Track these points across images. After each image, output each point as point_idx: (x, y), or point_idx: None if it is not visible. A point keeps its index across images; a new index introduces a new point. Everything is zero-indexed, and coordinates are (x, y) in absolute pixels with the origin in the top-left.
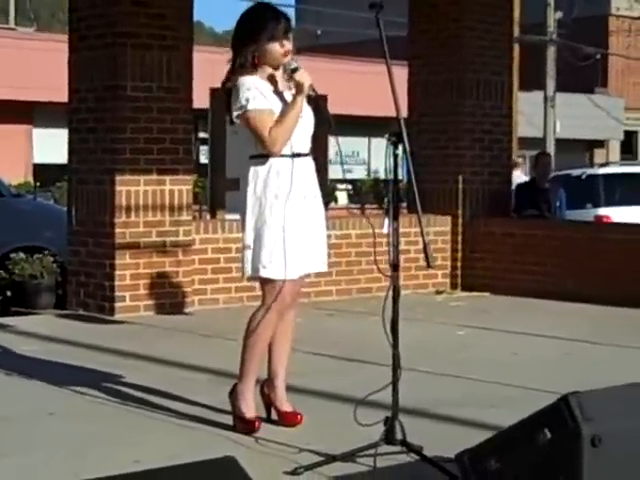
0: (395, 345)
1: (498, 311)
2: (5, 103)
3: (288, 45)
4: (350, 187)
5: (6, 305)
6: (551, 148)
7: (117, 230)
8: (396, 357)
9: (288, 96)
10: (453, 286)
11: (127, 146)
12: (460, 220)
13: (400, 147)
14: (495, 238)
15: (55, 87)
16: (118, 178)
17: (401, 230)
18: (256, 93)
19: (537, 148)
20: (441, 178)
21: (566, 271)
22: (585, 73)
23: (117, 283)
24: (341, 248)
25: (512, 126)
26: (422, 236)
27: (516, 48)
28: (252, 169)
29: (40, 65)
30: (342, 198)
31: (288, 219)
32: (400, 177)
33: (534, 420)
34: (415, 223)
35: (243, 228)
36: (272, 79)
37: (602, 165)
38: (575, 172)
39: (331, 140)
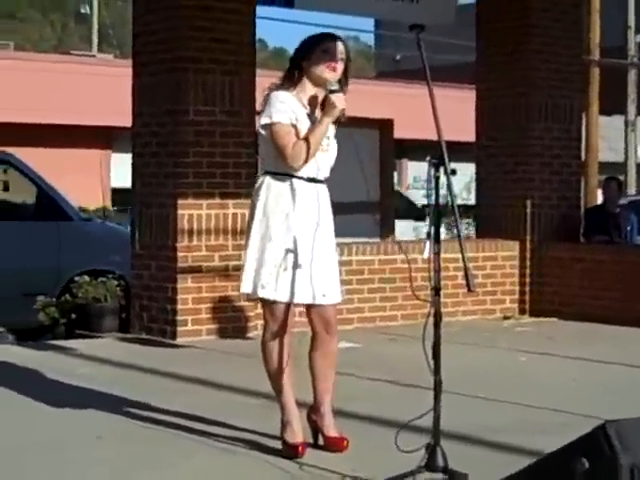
0: (437, 371)
1: (564, 337)
2: (85, 129)
3: (336, 62)
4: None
5: (70, 328)
6: (632, 173)
7: (179, 254)
8: (437, 383)
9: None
10: (521, 311)
11: (190, 170)
12: (528, 245)
13: (442, 169)
14: (563, 263)
15: None
16: (180, 202)
17: (470, 254)
18: (286, 107)
19: (618, 173)
20: (509, 203)
21: (635, 297)
22: None
23: (179, 307)
24: (406, 272)
25: (582, 150)
26: (463, 261)
27: (596, 72)
28: (265, 184)
29: (119, 91)
30: None
31: (298, 242)
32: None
33: (571, 449)
34: (480, 248)
35: (246, 243)
36: (308, 98)
37: None
38: None
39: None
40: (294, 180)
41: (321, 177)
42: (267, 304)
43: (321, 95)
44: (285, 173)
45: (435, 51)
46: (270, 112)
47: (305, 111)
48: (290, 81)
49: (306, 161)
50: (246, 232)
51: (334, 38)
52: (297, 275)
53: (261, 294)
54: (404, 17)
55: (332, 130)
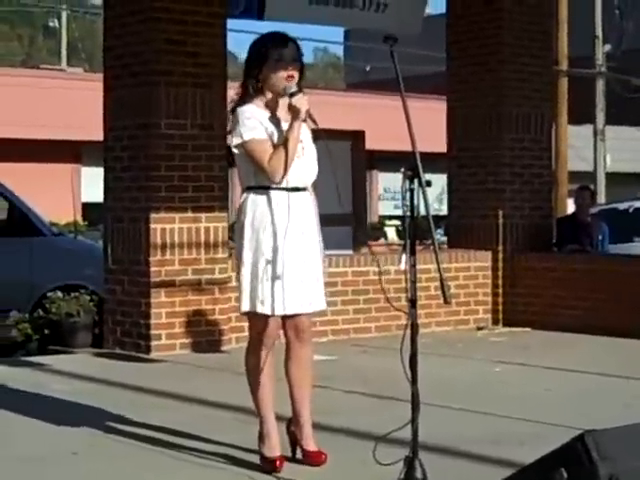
0: (414, 382)
1: (538, 347)
2: (54, 143)
3: (292, 70)
4: (399, 223)
5: (44, 344)
6: (601, 182)
7: (152, 268)
8: (415, 394)
9: (286, 126)
10: (494, 322)
11: (162, 184)
12: (501, 255)
13: (416, 181)
14: (536, 273)
15: None
16: (153, 216)
17: (443, 265)
18: (255, 123)
19: (588, 182)
20: (481, 213)
21: (607, 305)
22: (635, 106)
23: (153, 321)
24: (379, 284)
25: (553, 160)
26: (439, 272)
27: (565, 82)
28: (250, 200)
29: (89, 105)
30: (391, 234)
31: (286, 254)
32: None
33: (550, 459)
34: (453, 258)
35: (239, 261)
36: (272, 106)
37: None
38: (622, 205)
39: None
40: (276, 192)
41: (303, 184)
42: (259, 318)
43: (283, 99)
44: (267, 187)
45: (406, 62)
46: (240, 131)
47: (272, 119)
48: (250, 93)
49: (286, 170)
50: (237, 251)
51: (284, 41)
52: (288, 287)
53: (260, 310)
54: (371, 27)
55: (307, 134)
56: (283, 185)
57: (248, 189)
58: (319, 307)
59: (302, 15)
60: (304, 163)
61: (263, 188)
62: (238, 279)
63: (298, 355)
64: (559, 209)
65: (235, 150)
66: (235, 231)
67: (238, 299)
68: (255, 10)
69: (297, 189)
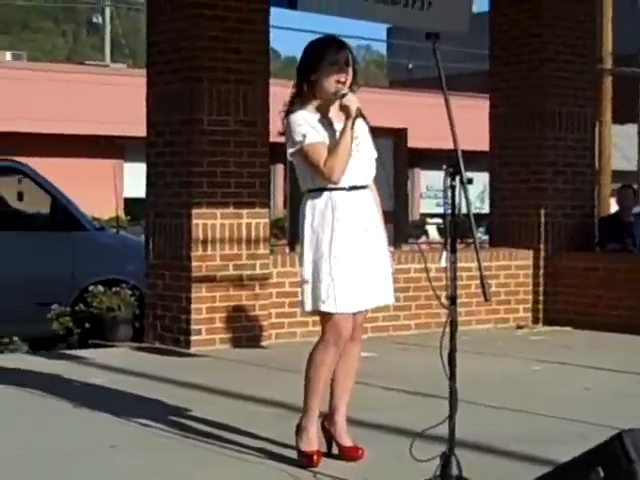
0: (452, 378)
1: (578, 346)
2: (97, 138)
3: (345, 74)
4: (440, 221)
5: (84, 338)
6: None
7: (194, 263)
8: (453, 391)
9: (339, 126)
10: (535, 320)
11: (204, 180)
12: (542, 254)
13: (457, 178)
14: (578, 272)
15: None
16: (195, 212)
17: (484, 263)
18: (307, 128)
19: (631, 181)
20: (523, 211)
21: None
22: None
23: (193, 316)
24: (421, 282)
25: (596, 159)
26: (480, 270)
27: (609, 80)
28: (309, 202)
29: (131, 100)
30: (432, 232)
31: (347, 252)
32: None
33: (587, 459)
34: (494, 257)
35: (301, 262)
36: (324, 110)
37: None
38: None
39: (420, 173)
40: (335, 192)
41: (361, 183)
42: (327, 317)
43: (334, 102)
44: (325, 188)
45: (448, 59)
46: (294, 139)
47: (325, 122)
48: (301, 97)
49: (343, 170)
50: (299, 251)
51: (338, 46)
52: (353, 285)
53: (323, 308)
54: (414, 24)
55: (364, 130)
56: (344, 185)
57: (307, 191)
58: (386, 301)
59: (339, 8)
60: (361, 160)
61: (321, 190)
62: (301, 278)
63: (348, 351)
64: (602, 208)
65: (290, 158)
66: (299, 233)
67: (301, 298)
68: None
69: (355, 187)
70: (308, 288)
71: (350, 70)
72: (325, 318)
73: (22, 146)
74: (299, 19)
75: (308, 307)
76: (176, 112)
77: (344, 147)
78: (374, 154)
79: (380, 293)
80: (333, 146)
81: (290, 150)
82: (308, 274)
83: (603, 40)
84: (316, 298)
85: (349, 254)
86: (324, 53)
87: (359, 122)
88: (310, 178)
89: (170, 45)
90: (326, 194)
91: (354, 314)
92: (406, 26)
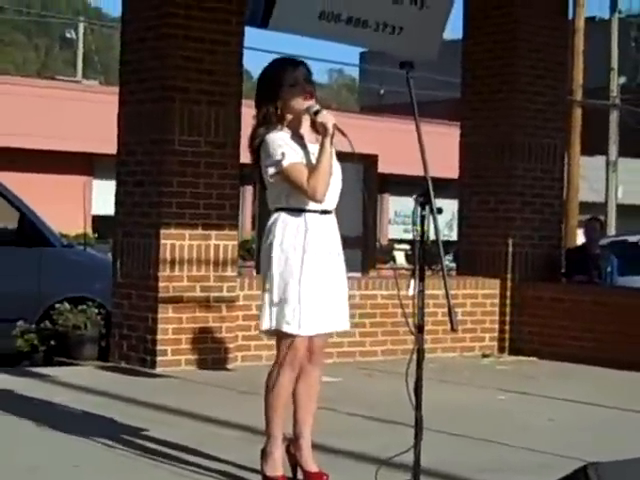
0: (418, 407)
1: (543, 376)
2: (67, 154)
3: (310, 91)
4: (408, 247)
5: (50, 355)
6: (612, 213)
7: (161, 284)
8: (419, 419)
9: (315, 148)
10: (500, 349)
11: (173, 200)
12: (509, 283)
13: (427, 208)
14: (543, 303)
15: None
16: (163, 232)
17: (451, 292)
18: (286, 148)
19: (599, 213)
20: (491, 240)
21: (614, 337)
22: None
23: (159, 337)
24: (388, 308)
25: (564, 190)
26: (447, 299)
27: (579, 112)
28: (280, 222)
29: (102, 117)
30: (400, 258)
31: (314, 275)
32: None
33: None
34: (461, 285)
35: (266, 280)
36: (295, 128)
37: None
38: (632, 238)
39: (389, 199)
40: (308, 215)
41: (330, 207)
42: (287, 338)
43: (305, 120)
44: (299, 209)
45: (420, 87)
46: (275, 160)
47: (299, 142)
48: (272, 120)
49: (326, 188)
50: (264, 270)
51: (292, 65)
52: (316, 309)
53: (286, 329)
54: (385, 48)
55: (333, 155)
56: (317, 208)
57: (277, 210)
58: (344, 327)
59: (310, 29)
60: (332, 185)
61: (295, 210)
62: (262, 297)
63: (308, 375)
64: (569, 239)
65: (270, 180)
66: (262, 251)
67: (259, 316)
68: (259, 18)
69: (326, 211)
70: (274, 309)
71: (311, 86)
72: (285, 339)
73: None
74: (271, 40)
75: (268, 325)
76: (148, 132)
77: (325, 165)
78: (340, 179)
79: (338, 318)
80: (314, 165)
81: (271, 170)
82: (276, 295)
83: (574, 72)
84: (280, 318)
85: (316, 277)
86: (281, 77)
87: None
88: (284, 197)
89: (143, 64)
90: (300, 215)
91: (312, 337)
92: (376, 49)
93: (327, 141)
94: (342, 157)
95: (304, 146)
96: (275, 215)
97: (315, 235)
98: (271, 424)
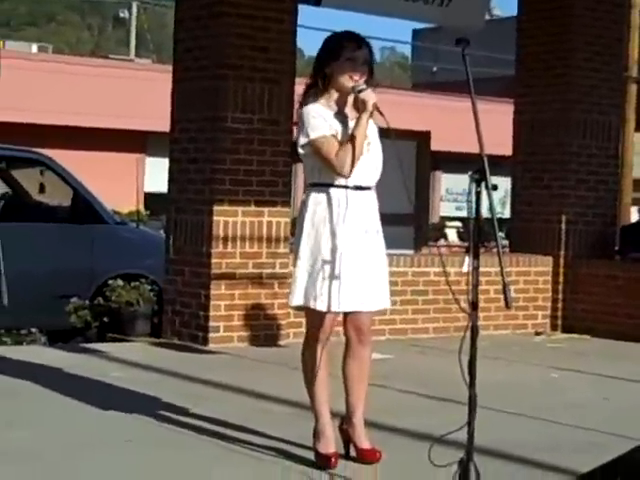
0: (472, 385)
1: (596, 354)
2: (120, 132)
3: (360, 73)
4: (460, 225)
5: (103, 332)
6: None
7: (213, 260)
8: (472, 398)
9: (353, 123)
10: (553, 327)
11: (226, 177)
12: (562, 261)
13: (482, 185)
14: (597, 280)
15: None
16: (216, 209)
17: (505, 269)
18: (320, 121)
19: None
20: (544, 218)
21: None
22: None
23: (212, 313)
24: (440, 285)
25: (620, 167)
26: (502, 276)
27: (634, 88)
28: (312, 196)
29: (155, 95)
30: (452, 235)
31: (345, 252)
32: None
33: (608, 469)
34: (514, 262)
35: (296, 255)
36: (339, 104)
37: None
38: None
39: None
40: (340, 190)
41: (367, 184)
42: (315, 314)
43: (350, 97)
44: (331, 184)
45: (474, 64)
46: (307, 131)
47: (339, 117)
48: (316, 90)
49: (353, 165)
50: (295, 245)
51: (358, 44)
52: (346, 285)
53: (313, 306)
54: (434, 21)
55: (374, 131)
56: (349, 183)
57: (312, 185)
58: (381, 305)
59: (362, 4)
60: (369, 161)
61: (327, 185)
62: (293, 272)
63: (358, 355)
64: (622, 217)
65: (301, 151)
66: (296, 225)
67: (290, 292)
68: None
69: (360, 187)
70: (302, 283)
71: (366, 69)
72: (313, 315)
73: (45, 138)
74: (323, 17)
75: (298, 301)
76: (201, 109)
77: (357, 139)
78: (381, 156)
79: (376, 296)
80: (346, 141)
81: (302, 141)
82: (303, 269)
83: (629, 48)
84: (308, 294)
85: (347, 254)
86: (343, 47)
87: (370, 123)
88: (317, 171)
89: (197, 42)
90: (331, 190)
91: (358, 315)
92: (427, 22)
93: (364, 117)
94: (396, 134)
95: (344, 123)
96: (308, 190)
97: (348, 211)
98: (315, 402)
